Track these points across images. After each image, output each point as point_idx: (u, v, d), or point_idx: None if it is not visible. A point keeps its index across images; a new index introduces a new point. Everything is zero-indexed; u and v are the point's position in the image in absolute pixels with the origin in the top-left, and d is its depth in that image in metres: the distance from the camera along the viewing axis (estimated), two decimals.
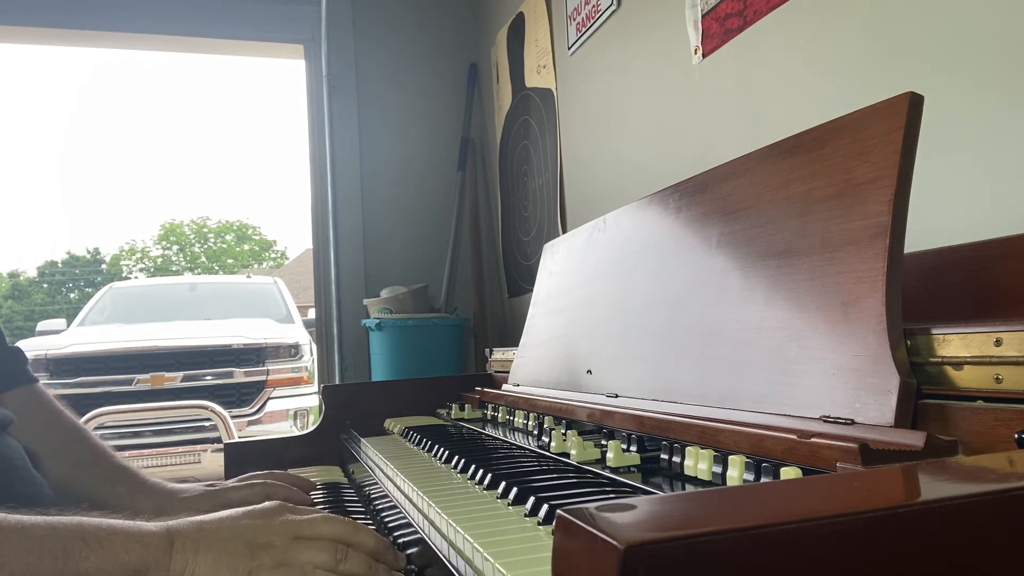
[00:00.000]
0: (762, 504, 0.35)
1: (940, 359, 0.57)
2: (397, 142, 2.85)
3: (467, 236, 2.82)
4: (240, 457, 1.41)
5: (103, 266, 28.84)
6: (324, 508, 1.05)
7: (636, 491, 0.65)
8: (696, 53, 1.44)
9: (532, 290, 1.44)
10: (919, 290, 0.70)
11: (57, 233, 44.62)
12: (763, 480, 0.58)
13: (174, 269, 28.50)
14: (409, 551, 0.78)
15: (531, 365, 1.33)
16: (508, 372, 1.44)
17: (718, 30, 1.37)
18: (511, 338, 2.48)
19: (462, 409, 1.39)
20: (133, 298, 5.46)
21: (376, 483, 0.99)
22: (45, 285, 28.90)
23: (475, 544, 0.53)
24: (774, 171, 0.76)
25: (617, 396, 0.96)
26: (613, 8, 1.76)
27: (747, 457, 0.61)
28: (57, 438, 1.03)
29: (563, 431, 0.92)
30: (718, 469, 0.64)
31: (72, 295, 28.51)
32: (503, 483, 0.68)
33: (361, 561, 0.67)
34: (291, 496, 1.09)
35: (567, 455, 0.82)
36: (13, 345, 1.04)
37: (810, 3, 1.15)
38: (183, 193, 44.92)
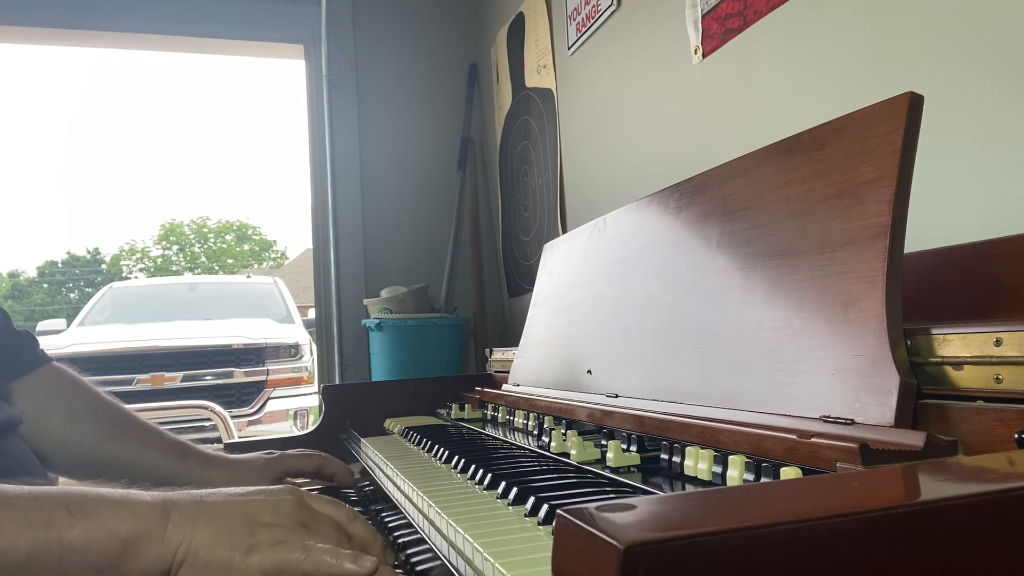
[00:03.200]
0: (762, 504, 0.35)
1: (940, 359, 0.57)
2: (397, 142, 2.85)
3: (467, 236, 2.82)
4: None
5: (103, 266, 28.85)
6: None
7: (636, 491, 0.65)
8: (696, 53, 1.44)
9: (532, 290, 1.44)
10: (919, 290, 0.70)
11: (57, 233, 44.66)
12: (763, 480, 0.58)
13: (174, 269, 28.50)
14: (414, 558, 0.78)
15: (531, 365, 1.33)
16: (508, 372, 1.44)
17: (718, 30, 1.37)
18: (511, 338, 2.48)
19: (462, 409, 1.39)
20: (133, 298, 5.46)
21: (376, 483, 0.99)
22: (45, 285, 28.90)
23: (475, 544, 0.53)
24: (774, 171, 0.76)
25: (617, 396, 0.96)
26: (613, 8, 1.76)
27: (747, 457, 0.61)
28: (110, 416, 1.01)
29: (563, 431, 0.92)
30: (718, 469, 0.64)
31: (72, 295, 28.52)
32: (503, 483, 0.68)
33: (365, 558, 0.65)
34: (338, 472, 1.11)
35: (567, 455, 0.82)
36: (21, 329, 1.00)
37: (810, 3, 1.15)
38: (183, 193, 44.96)
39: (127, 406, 1.05)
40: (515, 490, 0.65)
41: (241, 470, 1.04)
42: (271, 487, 0.68)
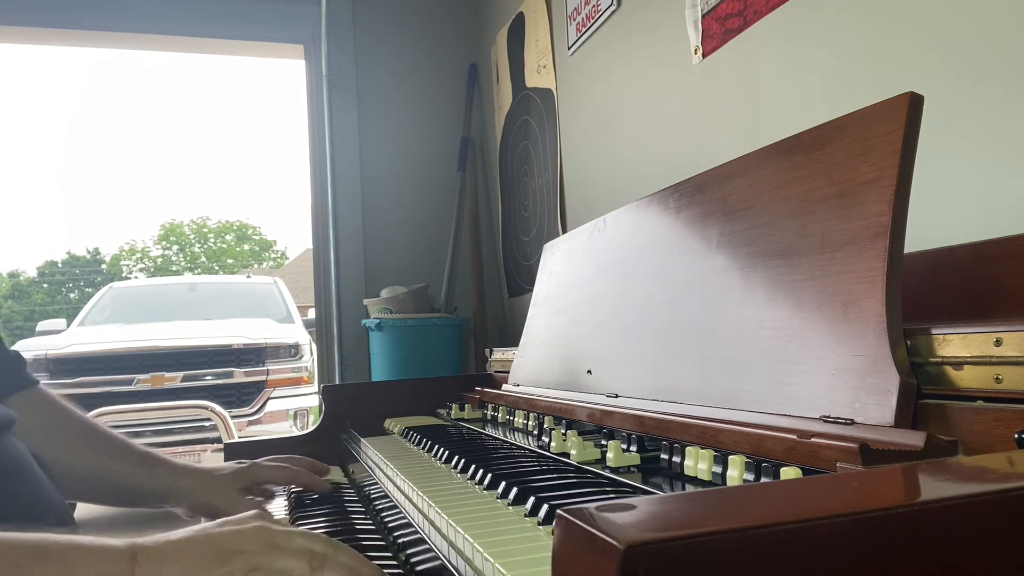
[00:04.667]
0: (762, 504, 0.35)
1: (940, 359, 0.57)
2: (397, 142, 2.85)
3: (467, 236, 2.82)
4: (240, 457, 1.41)
5: (103, 266, 28.83)
6: (324, 508, 1.06)
7: (636, 491, 0.65)
8: (696, 53, 1.44)
9: (532, 290, 1.44)
10: (919, 290, 0.70)
11: (57, 233, 44.66)
12: (763, 480, 0.58)
13: (174, 269, 28.49)
14: (414, 558, 0.78)
15: (531, 365, 1.33)
16: (508, 372, 1.44)
17: (718, 30, 1.37)
18: (511, 338, 2.48)
19: (462, 409, 1.39)
20: (133, 298, 5.46)
21: (376, 483, 0.99)
22: (45, 285, 28.89)
23: (475, 544, 0.53)
24: (774, 171, 0.76)
25: (617, 396, 0.96)
26: (613, 8, 1.76)
27: (747, 457, 0.61)
28: (79, 430, 1.03)
29: (563, 431, 0.92)
30: (718, 469, 0.64)
31: (72, 295, 28.50)
32: (503, 483, 0.68)
33: (340, 572, 0.64)
34: (311, 483, 1.12)
35: (567, 455, 0.82)
36: (11, 349, 1.04)
37: (810, 3, 1.15)
38: (183, 193, 44.95)
39: (95, 417, 1.08)
40: (515, 490, 0.65)
41: (209, 479, 1.05)
42: (237, 516, 0.67)
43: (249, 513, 0.68)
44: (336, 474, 1.36)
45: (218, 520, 0.67)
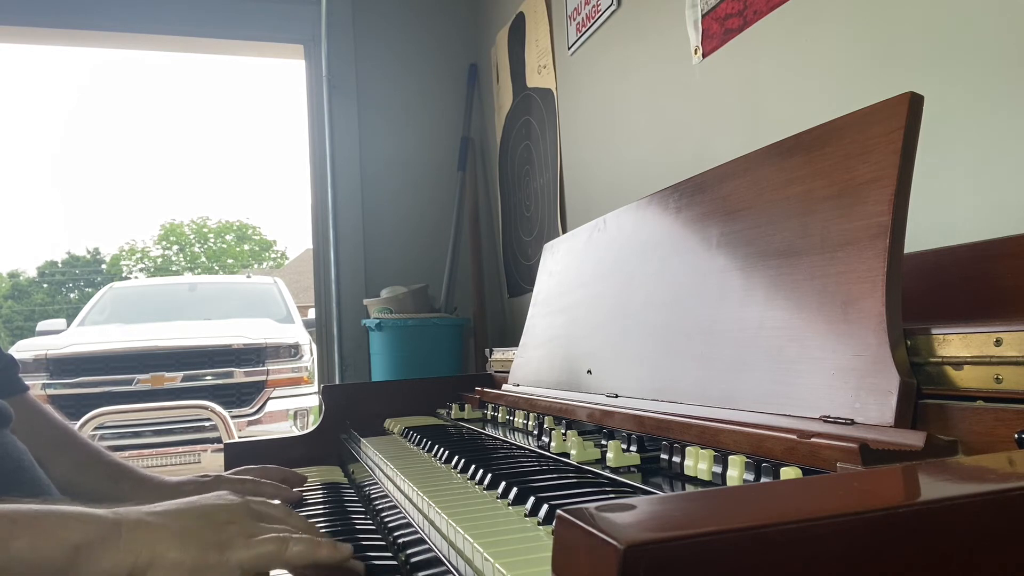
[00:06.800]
0: (762, 504, 0.35)
1: (940, 359, 0.57)
2: (397, 142, 2.85)
3: (467, 236, 2.82)
4: (240, 457, 1.41)
5: (103, 266, 28.82)
6: (324, 508, 1.06)
7: (636, 491, 0.65)
8: (696, 53, 1.44)
9: (532, 290, 1.44)
10: (919, 290, 0.70)
11: (57, 233, 44.64)
12: (763, 480, 0.58)
13: (174, 269, 28.48)
14: (414, 558, 0.78)
15: (531, 365, 1.33)
16: (508, 372, 1.44)
17: (718, 30, 1.37)
18: (511, 338, 2.48)
19: (462, 409, 1.39)
20: (133, 298, 5.46)
21: (376, 483, 0.99)
22: (45, 285, 28.89)
23: (475, 544, 0.53)
24: (774, 171, 0.76)
25: (617, 396, 0.96)
26: (613, 8, 1.76)
27: (747, 457, 0.61)
28: (54, 440, 1.04)
29: (563, 431, 0.92)
30: (718, 469, 0.64)
31: (72, 295, 28.49)
32: (503, 483, 0.68)
33: (307, 545, 0.65)
34: (276, 495, 1.11)
35: (567, 455, 0.82)
36: (7, 353, 1.05)
37: (810, 3, 1.15)
38: (183, 193, 44.91)
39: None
40: (515, 490, 0.65)
41: (174, 494, 1.05)
42: (212, 493, 0.70)
43: (224, 491, 0.71)
44: (336, 474, 1.36)
45: (196, 496, 0.68)
